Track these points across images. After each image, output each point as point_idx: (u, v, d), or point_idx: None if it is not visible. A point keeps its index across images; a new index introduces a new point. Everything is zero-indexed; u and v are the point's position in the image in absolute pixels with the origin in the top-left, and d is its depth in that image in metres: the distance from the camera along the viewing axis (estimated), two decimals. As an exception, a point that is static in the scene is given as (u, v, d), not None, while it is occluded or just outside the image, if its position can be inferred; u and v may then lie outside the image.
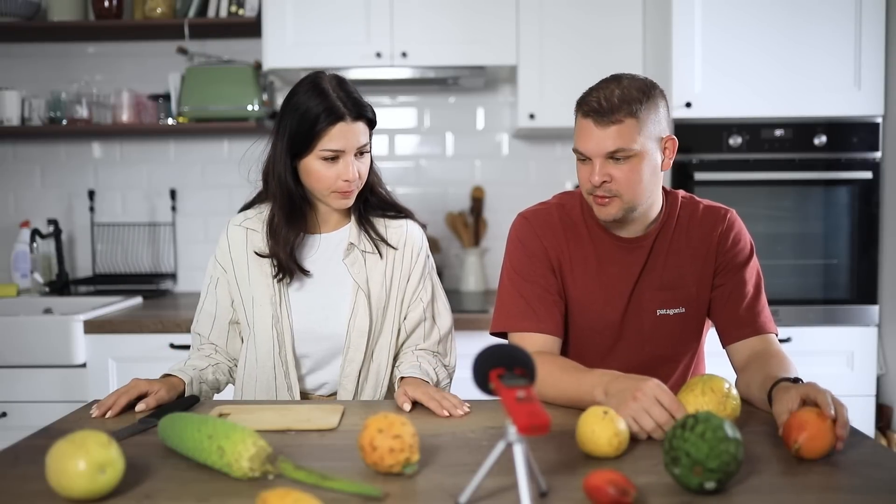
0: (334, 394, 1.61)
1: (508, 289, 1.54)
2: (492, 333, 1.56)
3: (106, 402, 1.37)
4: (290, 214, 1.56)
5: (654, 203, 1.50)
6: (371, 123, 1.55)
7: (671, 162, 1.48)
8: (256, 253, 1.58)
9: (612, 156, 1.40)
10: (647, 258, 1.51)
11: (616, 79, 1.43)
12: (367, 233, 1.60)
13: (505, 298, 1.54)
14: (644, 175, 1.41)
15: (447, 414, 1.35)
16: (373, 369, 1.60)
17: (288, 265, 1.55)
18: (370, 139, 1.56)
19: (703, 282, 1.52)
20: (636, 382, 1.21)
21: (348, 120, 1.49)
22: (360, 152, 1.52)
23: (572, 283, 1.53)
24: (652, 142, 1.41)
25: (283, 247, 1.55)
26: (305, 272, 1.58)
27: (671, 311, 1.52)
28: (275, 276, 1.56)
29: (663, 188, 1.55)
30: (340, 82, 1.53)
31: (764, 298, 1.53)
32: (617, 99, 1.38)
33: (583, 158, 1.44)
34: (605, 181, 1.41)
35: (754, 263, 1.54)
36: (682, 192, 1.58)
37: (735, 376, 1.47)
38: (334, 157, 1.50)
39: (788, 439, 1.09)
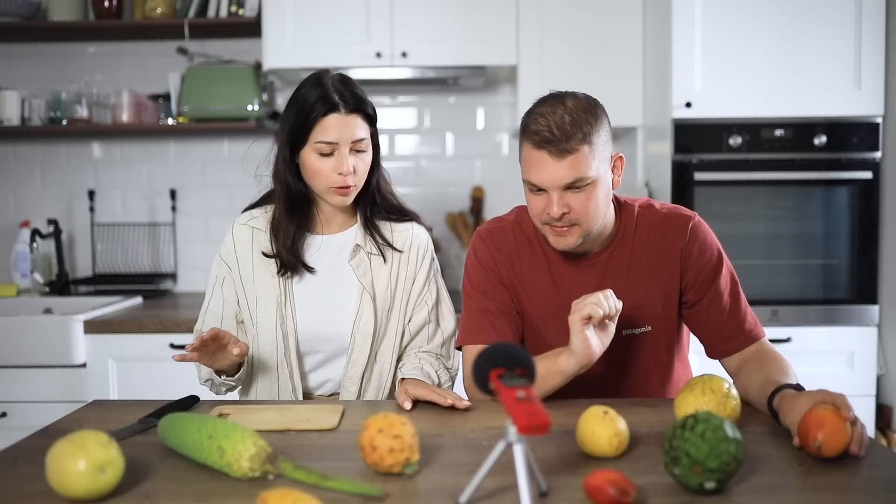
0: (336, 393, 1.61)
1: (468, 304, 1.53)
2: (457, 348, 1.57)
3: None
4: (289, 209, 1.56)
5: (607, 222, 1.45)
6: (371, 120, 1.54)
7: (620, 179, 1.44)
8: (264, 253, 1.58)
9: (570, 186, 1.34)
10: (602, 276, 1.47)
11: (559, 100, 1.36)
12: (372, 236, 1.60)
13: (465, 314, 1.53)
14: (600, 200, 1.37)
15: (450, 402, 1.35)
16: (376, 371, 1.60)
17: (288, 260, 1.55)
18: (372, 137, 1.55)
19: (668, 297, 1.47)
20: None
21: (342, 111, 1.49)
22: (357, 149, 1.52)
23: (528, 301, 1.51)
24: (604, 164, 1.38)
25: (284, 240, 1.55)
26: (309, 269, 1.57)
27: (637, 331, 1.48)
28: (278, 273, 1.56)
29: (616, 199, 1.50)
30: (343, 79, 1.54)
31: (744, 303, 1.48)
32: (569, 126, 1.32)
33: (535, 190, 1.38)
34: (564, 212, 1.35)
35: (726, 270, 1.48)
36: (639, 202, 1.52)
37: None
38: (329, 151, 1.50)
39: (807, 438, 1.08)
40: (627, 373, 1.52)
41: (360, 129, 1.51)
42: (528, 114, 1.38)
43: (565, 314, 1.40)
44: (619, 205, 1.50)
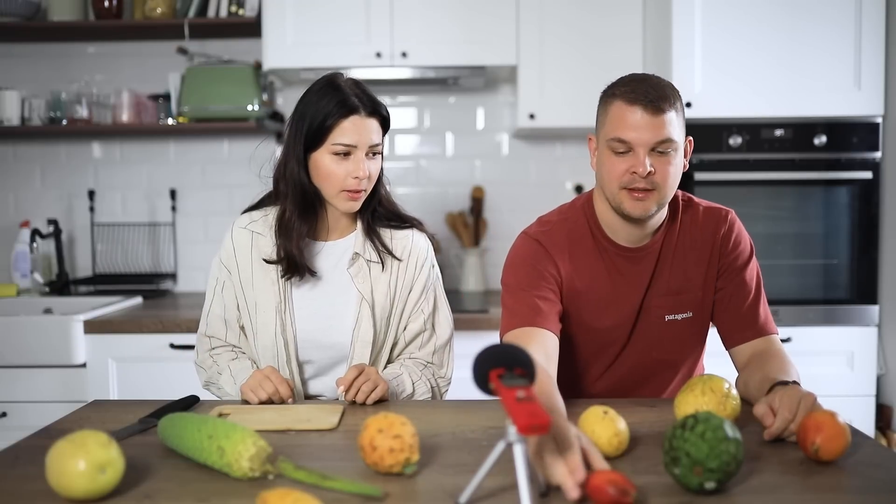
0: (335, 400, 1.61)
1: (516, 297, 1.46)
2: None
3: (267, 388, 1.42)
4: (303, 209, 1.54)
5: (666, 207, 1.48)
6: (385, 122, 1.54)
7: (688, 162, 1.47)
8: (265, 260, 1.55)
9: (656, 147, 1.37)
10: (654, 266, 1.50)
11: (645, 76, 1.42)
12: (372, 243, 1.59)
13: (512, 307, 1.46)
14: (678, 170, 1.41)
15: (355, 398, 1.41)
16: None
17: (300, 261, 1.53)
18: (383, 142, 1.55)
19: (707, 285, 1.52)
20: None
21: (362, 113, 1.49)
22: (373, 152, 1.52)
23: (585, 297, 1.50)
24: (683, 138, 1.42)
25: (296, 242, 1.53)
26: (313, 273, 1.56)
27: (679, 317, 1.51)
28: (282, 276, 1.55)
29: None
30: (356, 82, 1.54)
31: (764, 299, 1.53)
32: (664, 90, 1.37)
33: (621, 150, 1.38)
34: (649, 172, 1.37)
35: (754, 265, 1.54)
36: (680, 194, 1.56)
37: (736, 376, 1.47)
38: (346, 153, 1.49)
39: (805, 441, 1.08)
40: (664, 360, 1.55)
41: (376, 133, 1.52)
42: (615, 84, 1.42)
43: (619, 304, 1.49)
44: None
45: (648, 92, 1.36)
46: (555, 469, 0.96)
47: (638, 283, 1.50)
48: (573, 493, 0.93)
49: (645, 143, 1.36)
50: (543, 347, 1.37)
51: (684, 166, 1.45)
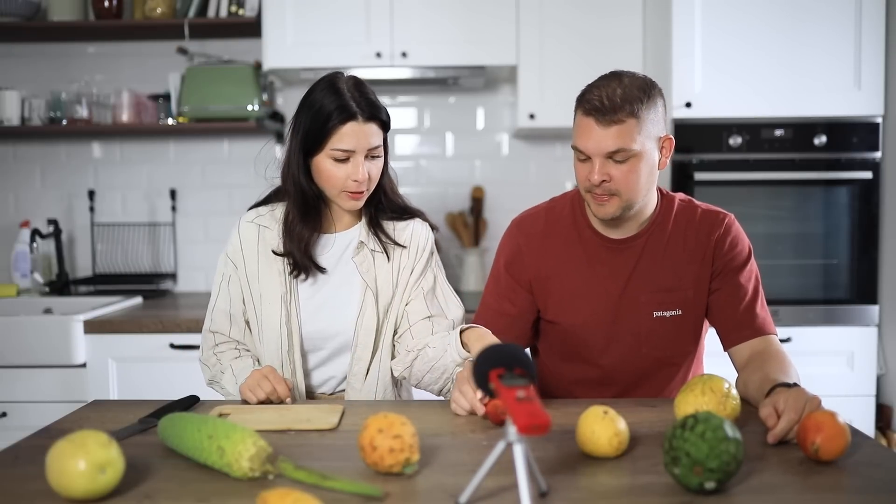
0: (341, 391, 1.62)
1: (487, 288, 1.65)
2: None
3: (264, 388, 1.42)
4: (304, 212, 1.56)
5: (648, 202, 1.51)
6: (385, 126, 1.54)
7: (668, 161, 1.49)
8: (273, 252, 1.58)
9: (612, 156, 1.40)
10: (638, 259, 1.52)
11: (617, 76, 1.43)
12: (376, 234, 1.60)
13: (480, 311, 1.65)
14: (642, 175, 1.42)
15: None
16: (382, 366, 1.59)
17: (303, 262, 1.55)
18: (384, 142, 1.56)
19: (700, 285, 1.52)
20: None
21: (360, 119, 1.48)
22: (372, 155, 1.52)
23: (559, 284, 1.54)
24: (651, 141, 1.42)
25: (298, 244, 1.55)
26: (321, 269, 1.58)
27: (668, 314, 1.52)
28: (290, 273, 1.56)
29: (660, 189, 1.56)
30: (357, 83, 1.53)
31: (762, 300, 1.53)
32: (619, 98, 1.38)
33: (583, 158, 1.43)
34: (604, 180, 1.41)
35: (752, 267, 1.54)
36: (679, 196, 1.58)
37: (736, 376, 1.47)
38: (345, 158, 1.50)
39: (805, 441, 1.09)
40: (656, 357, 1.55)
41: (376, 136, 1.52)
42: (587, 86, 1.45)
43: (597, 293, 1.52)
44: (663, 194, 1.56)
45: (603, 103, 1.38)
46: (458, 399, 1.32)
47: (618, 273, 1.52)
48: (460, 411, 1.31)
49: (598, 154, 1.40)
50: None
51: (662, 163, 1.47)
